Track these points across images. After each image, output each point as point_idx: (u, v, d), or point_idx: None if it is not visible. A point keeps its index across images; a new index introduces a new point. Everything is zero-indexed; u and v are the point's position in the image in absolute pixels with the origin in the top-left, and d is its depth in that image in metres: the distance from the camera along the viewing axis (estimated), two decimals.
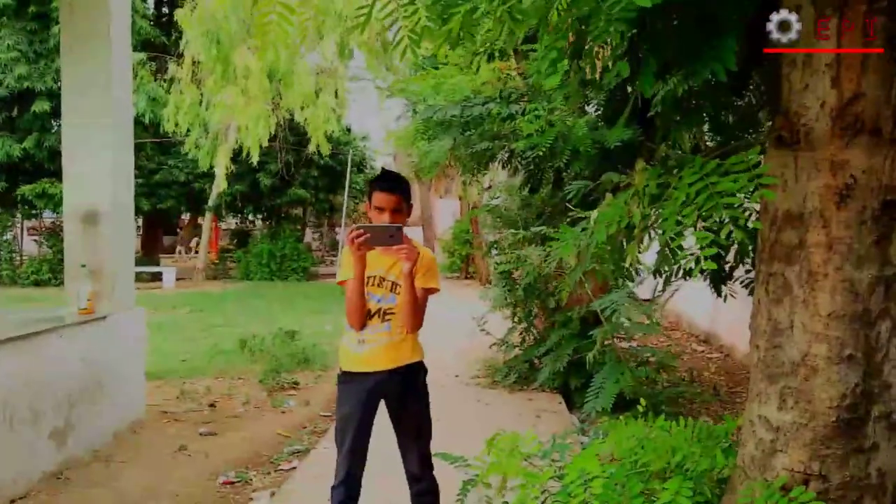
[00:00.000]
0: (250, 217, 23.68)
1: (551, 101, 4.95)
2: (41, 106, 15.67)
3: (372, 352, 2.70)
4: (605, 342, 3.23)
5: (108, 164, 4.80)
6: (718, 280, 2.77)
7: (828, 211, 1.68)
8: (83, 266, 4.71)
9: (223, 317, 11.69)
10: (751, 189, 1.68)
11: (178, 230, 28.43)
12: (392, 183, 2.74)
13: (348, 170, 19.00)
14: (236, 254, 20.42)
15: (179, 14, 12.37)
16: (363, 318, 2.68)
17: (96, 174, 4.79)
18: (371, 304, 2.70)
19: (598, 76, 4.98)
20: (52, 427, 4.19)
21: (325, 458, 4.49)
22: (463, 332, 7.70)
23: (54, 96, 16.29)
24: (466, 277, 17.66)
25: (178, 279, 17.61)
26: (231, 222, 25.71)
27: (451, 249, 18.14)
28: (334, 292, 15.65)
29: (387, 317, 2.70)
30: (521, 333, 6.69)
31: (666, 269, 2.48)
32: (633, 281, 4.94)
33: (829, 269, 1.68)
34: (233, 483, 4.25)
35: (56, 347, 4.24)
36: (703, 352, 8.58)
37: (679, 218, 1.65)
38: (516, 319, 6.67)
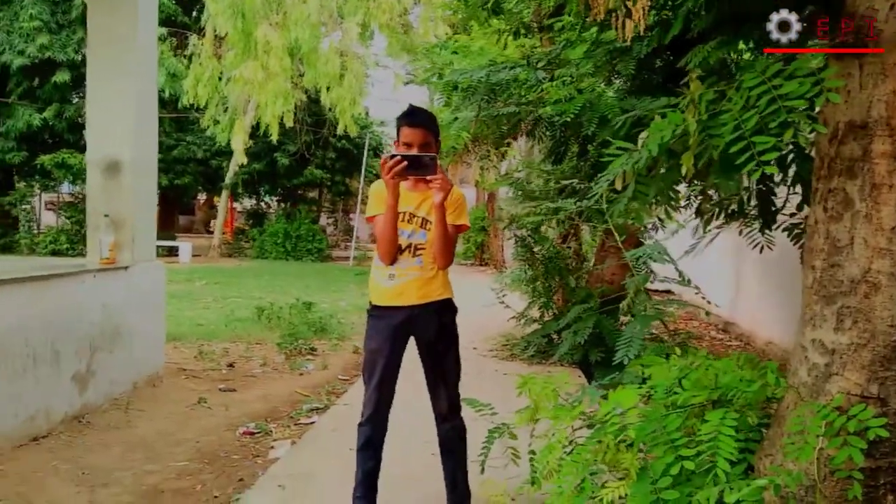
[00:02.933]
0: (266, 199, 23.68)
1: (580, 68, 4.88)
2: (62, 76, 15.70)
3: (402, 286, 2.67)
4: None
5: (131, 114, 4.78)
6: (767, 215, 2.69)
7: (895, 118, 1.62)
8: (106, 216, 4.70)
9: (238, 289, 11.70)
10: (814, 94, 1.61)
11: (195, 212, 28.52)
12: (420, 117, 2.68)
13: (365, 153, 18.95)
14: (251, 232, 20.44)
15: None
16: (394, 251, 2.65)
17: (119, 124, 4.76)
18: (401, 240, 2.66)
19: (628, 45, 4.92)
20: (74, 370, 4.19)
21: (343, 414, 4.48)
22: (479, 310, 7.66)
23: (75, 67, 16.34)
24: (481, 264, 17.58)
25: (193, 255, 17.66)
26: (245, 203, 25.70)
27: (466, 236, 18.05)
28: (349, 273, 15.64)
29: (417, 252, 2.67)
30: (539, 308, 6.63)
31: (709, 207, 2.42)
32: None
33: (895, 180, 1.61)
34: (252, 434, 4.24)
35: (77, 293, 4.24)
36: (722, 339, 8.48)
37: (738, 123, 1.60)
38: (535, 294, 6.61)
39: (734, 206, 2.65)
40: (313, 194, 22.49)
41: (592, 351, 5.75)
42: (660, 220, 5.19)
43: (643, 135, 2.06)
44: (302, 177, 19.58)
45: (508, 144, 7.32)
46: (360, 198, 20.42)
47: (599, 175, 2.24)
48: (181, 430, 4.24)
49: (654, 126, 2.00)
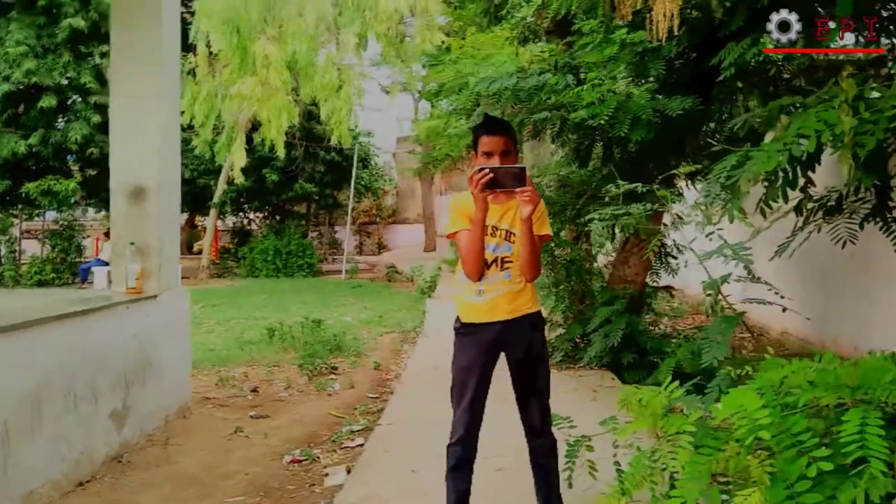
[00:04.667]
0: (250, 215, 23.38)
1: (611, 71, 4.85)
2: (48, 101, 15.38)
3: (492, 301, 2.60)
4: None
5: (157, 140, 4.65)
6: (884, 209, 2.60)
7: None
8: (132, 244, 4.56)
9: (238, 310, 11.51)
10: None
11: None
12: (500, 125, 2.68)
13: (354, 164, 18.82)
14: (241, 250, 20.16)
15: (200, 3, 12.11)
16: (482, 266, 2.58)
17: (144, 151, 4.63)
18: (488, 254, 2.59)
19: (656, 45, 4.89)
20: (112, 408, 4.04)
21: (391, 435, 4.38)
22: None
23: (61, 91, 16.04)
24: None
25: (182, 278, 17.34)
26: (228, 221, 25.37)
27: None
28: (344, 287, 15.49)
29: (505, 265, 2.60)
30: (563, 312, 6.58)
31: (809, 206, 2.37)
32: None
33: None
34: (300, 461, 4.12)
35: (111, 326, 4.10)
36: (733, 332, 8.48)
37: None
38: (559, 298, 6.55)
39: (832, 202, 2.60)
40: (301, 209, 22.26)
41: (624, 353, 5.70)
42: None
43: (769, 136, 1.99)
44: (292, 191, 19.36)
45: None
46: (350, 206, 20.29)
47: (710, 175, 2.16)
48: (226, 463, 4.11)
49: (797, 121, 1.91)
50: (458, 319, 2.70)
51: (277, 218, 21.30)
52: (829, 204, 2.62)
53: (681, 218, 5.92)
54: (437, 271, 13.25)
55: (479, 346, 2.62)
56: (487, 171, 2.41)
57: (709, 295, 2.91)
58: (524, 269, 2.57)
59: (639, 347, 5.76)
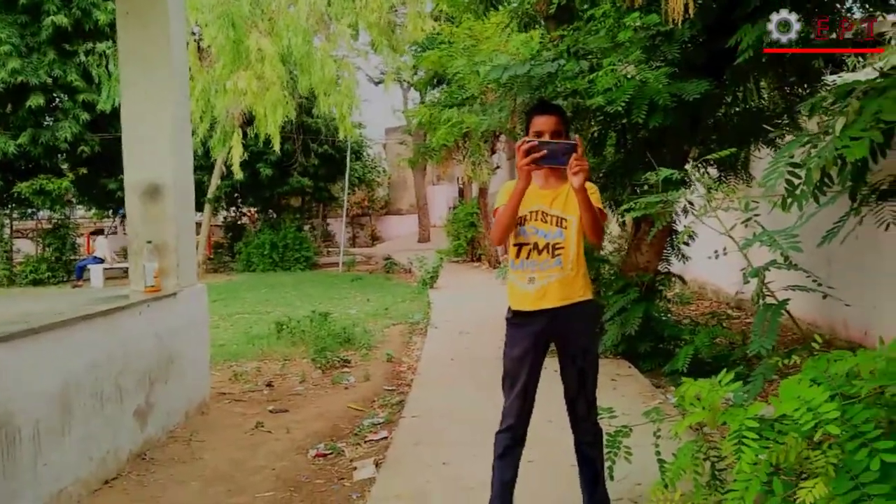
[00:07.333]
0: (244, 210, 23.23)
1: (624, 56, 4.82)
2: (36, 101, 15.21)
3: (544, 288, 2.59)
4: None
5: (169, 135, 4.60)
6: None
7: None
8: (149, 242, 4.52)
9: (241, 305, 11.45)
10: None
11: None
12: (552, 106, 2.71)
13: (348, 157, 18.75)
14: (236, 245, 20.08)
15: None
16: (506, 235, 2.61)
17: (158, 148, 4.59)
18: (538, 240, 2.59)
19: (672, 28, 4.87)
20: (136, 405, 4.02)
21: (418, 427, 4.38)
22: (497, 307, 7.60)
23: (48, 90, 15.85)
24: (473, 260, 17.48)
25: None
26: (219, 217, 25.19)
27: (456, 232, 17.93)
28: (343, 280, 15.45)
29: (556, 252, 2.59)
30: None
31: (864, 190, 2.36)
32: None
33: None
34: (325, 455, 4.11)
35: (133, 325, 4.07)
36: (739, 317, 8.53)
37: None
38: None
39: (885, 186, 2.59)
40: (296, 202, 22.15)
41: (641, 342, 5.70)
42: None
43: (840, 121, 1.96)
44: (287, 185, 19.27)
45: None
46: (346, 197, 20.23)
47: (774, 158, 2.14)
48: (251, 458, 4.10)
49: (872, 106, 1.88)
50: (509, 309, 2.69)
51: (272, 212, 21.19)
52: (881, 188, 2.61)
53: (691, 204, 5.95)
54: (440, 262, 13.21)
55: (530, 336, 2.61)
56: (536, 143, 2.39)
57: (747, 283, 2.90)
58: (589, 233, 2.53)
59: (655, 335, 5.76)
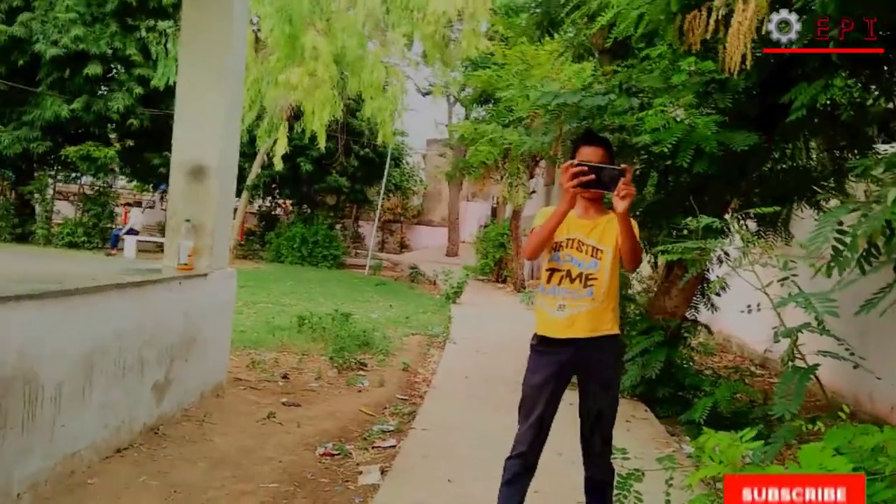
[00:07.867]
0: (279, 201, 23.53)
1: (675, 98, 4.82)
2: (93, 69, 15.61)
3: (572, 317, 2.58)
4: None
5: (222, 118, 4.69)
6: None
7: None
8: (187, 221, 4.60)
9: (266, 294, 11.56)
10: None
11: None
12: (598, 138, 2.72)
13: (388, 162, 18.90)
14: (267, 235, 20.31)
15: None
16: (539, 251, 2.62)
17: (208, 130, 4.67)
18: (572, 268, 2.60)
19: (726, 77, 4.85)
20: (155, 379, 4.08)
21: (429, 440, 4.38)
22: (518, 331, 7.59)
23: (106, 60, 16.26)
24: (498, 280, 17.47)
25: None
26: (254, 205, 25.54)
27: (485, 251, 17.95)
28: (369, 283, 15.52)
29: (589, 282, 2.59)
30: None
31: None
32: None
33: None
34: (332, 455, 4.12)
35: (163, 299, 4.14)
36: (763, 376, 8.39)
37: None
38: None
39: None
40: (331, 200, 22.37)
41: (660, 387, 5.64)
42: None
43: (892, 193, 1.95)
44: (324, 182, 19.48)
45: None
46: (380, 202, 20.37)
47: (820, 221, 2.12)
48: (260, 448, 4.13)
49: None
50: (535, 336, 2.69)
51: (306, 207, 21.41)
52: None
53: (727, 254, 5.90)
54: (465, 278, 13.22)
55: (554, 365, 2.61)
56: (586, 167, 2.41)
57: (777, 342, 2.86)
58: (626, 258, 2.53)
59: (675, 382, 5.69)
